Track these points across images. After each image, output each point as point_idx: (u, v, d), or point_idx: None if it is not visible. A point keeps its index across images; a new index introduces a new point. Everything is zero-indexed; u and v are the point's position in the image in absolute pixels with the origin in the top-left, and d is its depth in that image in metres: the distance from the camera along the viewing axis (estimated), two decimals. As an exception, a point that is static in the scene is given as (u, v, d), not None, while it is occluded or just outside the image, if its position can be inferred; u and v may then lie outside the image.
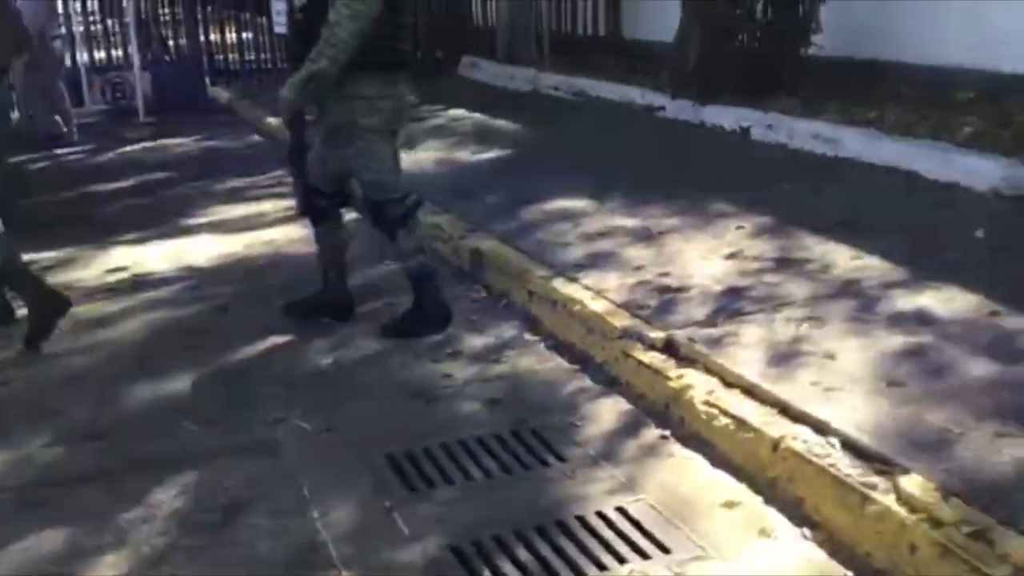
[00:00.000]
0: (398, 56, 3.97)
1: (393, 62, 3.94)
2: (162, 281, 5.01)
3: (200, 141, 9.35)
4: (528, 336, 4.05)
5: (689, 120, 7.46)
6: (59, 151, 9.00)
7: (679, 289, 3.96)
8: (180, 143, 9.24)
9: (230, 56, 13.03)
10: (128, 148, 9.11)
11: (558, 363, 3.78)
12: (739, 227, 4.73)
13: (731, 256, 4.32)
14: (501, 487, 2.87)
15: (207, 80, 12.00)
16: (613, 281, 4.12)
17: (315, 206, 4.23)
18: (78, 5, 11.62)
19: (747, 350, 3.30)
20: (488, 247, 4.82)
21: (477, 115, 8.80)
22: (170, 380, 3.74)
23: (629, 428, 3.20)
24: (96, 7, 12.08)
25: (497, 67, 11.03)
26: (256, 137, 9.42)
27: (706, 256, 4.35)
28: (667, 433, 3.12)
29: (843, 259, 4.15)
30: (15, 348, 4.11)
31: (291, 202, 5.73)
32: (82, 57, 11.26)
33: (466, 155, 7.23)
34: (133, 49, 10.73)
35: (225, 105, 11.44)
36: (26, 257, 5.27)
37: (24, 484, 3.02)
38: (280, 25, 9.61)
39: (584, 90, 9.18)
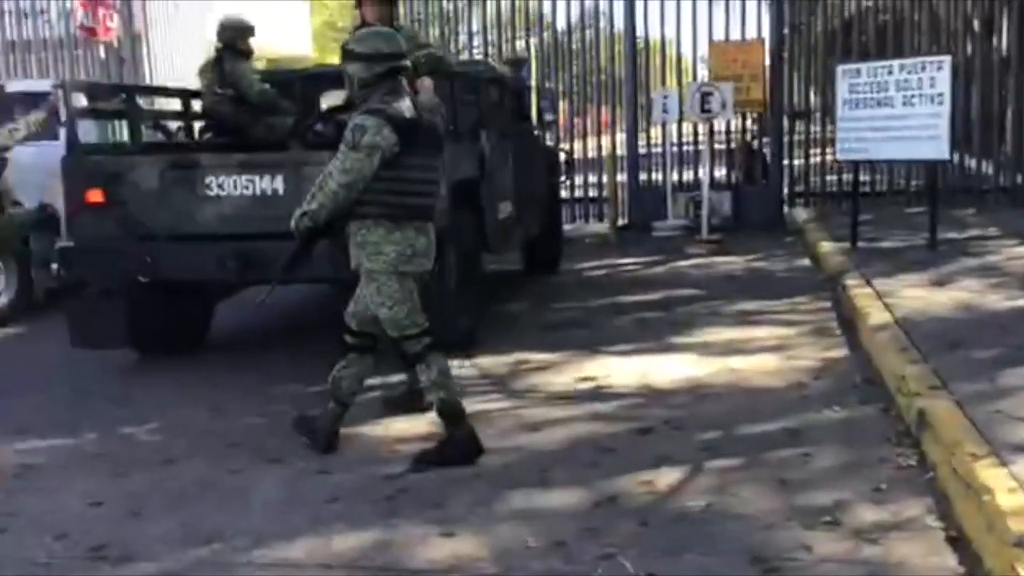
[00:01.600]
0: (404, 211, 4.24)
1: (396, 215, 4.22)
2: (615, 395, 5.23)
3: (750, 262, 9.53)
4: (931, 521, 3.49)
5: None
6: (621, 260, 9.86)
7: None
8: (730, 262, 9.51)
9: (812, 179, 13.05)
10: (681, 263, 9.63)
11: (942, 561, 3.20)
12: None
13: None
14: None
15: (784, 201, 12.19)
16: (1049, 475, 3.38)
17: (342, 340, 4.51)
18: (672, 129, 12.58)
19: None
20: (935, 409, 4.24)
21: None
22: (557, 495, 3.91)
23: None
24: (688, 129, 12.95)
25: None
26: (804, 262, 9.33)
27: None
28: None
29: None
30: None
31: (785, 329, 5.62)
32: (669, 176, 12.16)
33: (995, 299, 6.41)
34: (704, 170, 11.30)
35: (799, 227, 11.50)
36: (521, 356, 5.93)
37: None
38: (847, 151, 9.42)
39: None
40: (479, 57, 12.27)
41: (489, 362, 5.98)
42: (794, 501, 3.73)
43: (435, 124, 4.41)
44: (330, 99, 7.19)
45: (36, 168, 7.48)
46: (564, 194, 12.63)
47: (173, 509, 3.86)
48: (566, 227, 12.35)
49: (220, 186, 5.74)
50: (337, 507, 3.83)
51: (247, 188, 5.73)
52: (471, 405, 5.03)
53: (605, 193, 12.30)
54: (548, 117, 9.12)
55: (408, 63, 4.46)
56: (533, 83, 11.07)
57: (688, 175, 12.64)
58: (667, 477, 4.03)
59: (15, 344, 7.11)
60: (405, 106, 4.24)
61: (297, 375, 5.76)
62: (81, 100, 6.63)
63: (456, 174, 5.96)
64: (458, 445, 4.34)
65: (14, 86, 8.31)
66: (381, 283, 4.31)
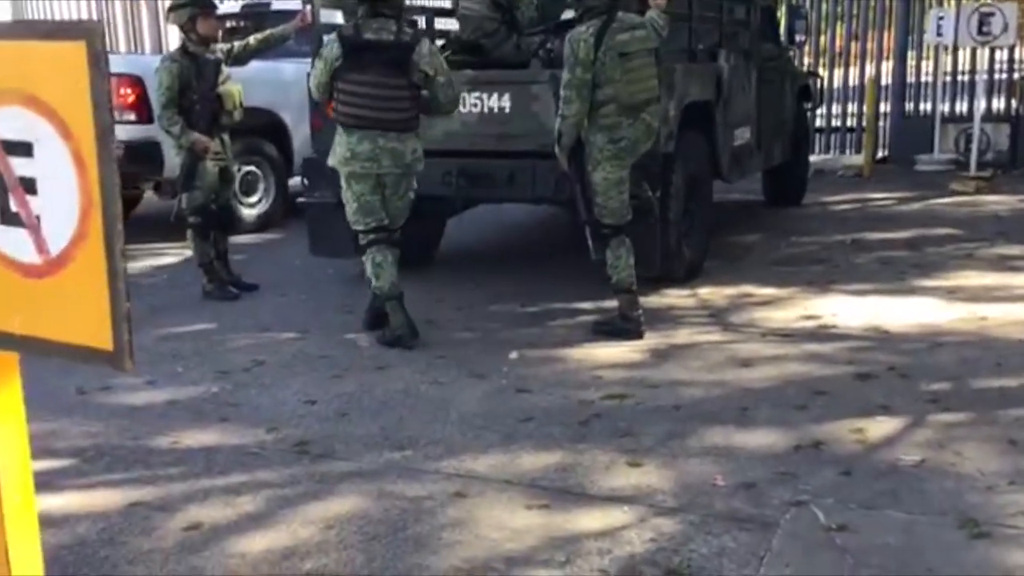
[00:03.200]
0: (357, 121, 4.81)
1: (343, 123, 4.87)
2: (839, 336, 4.92)
3: (1022, 202, 8.66)
4: None
5: None
6: (873, 195, 9.23)
7: None
8: (998, 202, 8.68)
9: None
10: (941, 200, 8.89)
11: None
12: None
13: None
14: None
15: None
16: None
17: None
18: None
19: None
20: None
21: None
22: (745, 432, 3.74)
23: None
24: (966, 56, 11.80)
25: None
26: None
27: None
28: None
29: None
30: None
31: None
32: (939, 105, 11.19)
33: None
34: (980, 100, 10.28)
35: None
36: (745, 289, 5.71)
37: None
38: None
39: None
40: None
41: (710, 293, 5.78)
42: (1022, 464, 3.36)
43: (400, 44, 4.81)
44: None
45: (271, 81, 7.88)
46: (819, 123, 12.00)
47: (377, 413, 4.01)
48: (819, 158, 11.76)
49: (452, 103, 5.81)
50: (530, 426, 3.83)
51: (475, 106, 5.77)
52: (685, 335, 4.93)
53: (863, 123, 11.53)
54: (799, 38, 8.57)
55: None
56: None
57: (961, 106, 11.58)
58: (881, 427, 3.74)
59: (268, 248, 7.59)
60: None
61: (516, 295, 5.81)
62: (335, 16, 6.87)
63: (687, 96, 5.73)
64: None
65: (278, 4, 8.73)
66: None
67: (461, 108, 5.79)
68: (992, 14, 9.39)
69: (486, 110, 5.74)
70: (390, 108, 4.83)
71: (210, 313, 5.62)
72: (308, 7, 6.17)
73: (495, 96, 5.68)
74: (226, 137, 5.91)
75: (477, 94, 5.75)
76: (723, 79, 6.34)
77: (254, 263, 6.86)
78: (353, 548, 2.92)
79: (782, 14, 9.19)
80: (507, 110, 5.68)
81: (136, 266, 6.90)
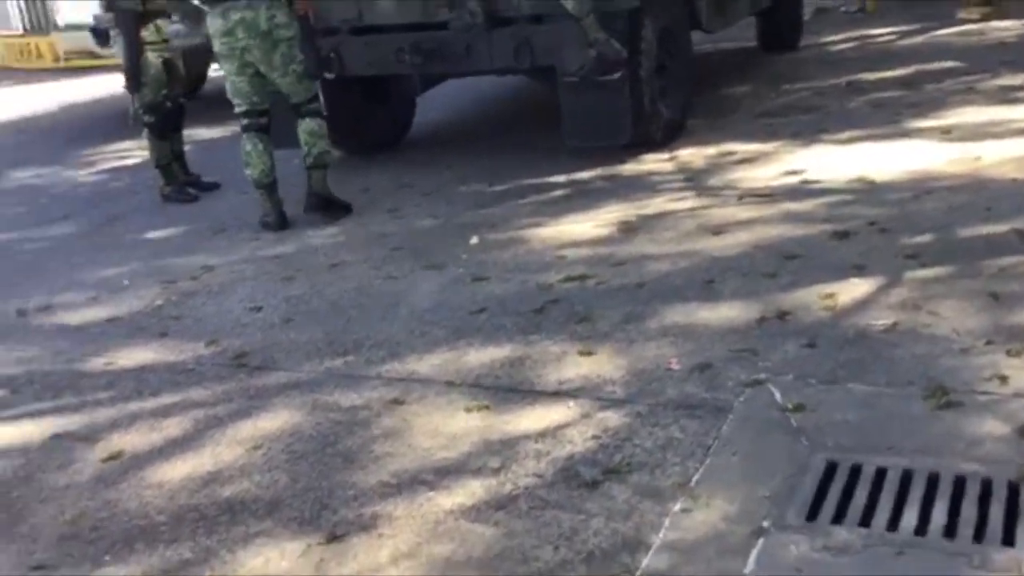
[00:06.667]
0: None
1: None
2: (821, 192, 4.60)
3: (1035, 26, 8.12)
4: None
5: None
6: (876, 31, 8.71)
7: None
8: (1005, 28, 8.11)
9: None
10: (946, 31, 8.34)
11: None
12: None
13: None
14: None
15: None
16: None
17: None
18: None
19: None
20: None
21: None
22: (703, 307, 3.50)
23: None
24: None
25: None
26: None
27: None
28: None
29: None
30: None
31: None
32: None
33: None
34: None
35: None
36: (728, 147, 5.39)
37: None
38: None
39: None
40: None
41: (690, 154, 5.46)
42: (1002, 320, 3.11)
43: None
44: None
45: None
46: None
47: (324, 317, 3.81)
48: (821, -6, 11.14)
49: (399, -27, 5.42)
50: (481, 318, 3.62)
51: (426, -26, 5.37)
52: (659, 204, 4.65)
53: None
54: None
55: None
56: None
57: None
58: (854, 289, 3.48)
59: (232, 142, 7.27)
60: None
61: (486, 174, 5.52)
62: None
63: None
64: None
65: None
66: None
67: (411, -23, 5.41)
68: None
69: (436, -22, 5.34)
70: None
71: (165, 218, 5.41)
72: None
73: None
74: (161, 24, 5.54)
75: (425, -45, 5.34)
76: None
77: (215, 159, 6.58)
78: (278, 469, 2.76)
79: None
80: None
81: (98, 171, 6.68)
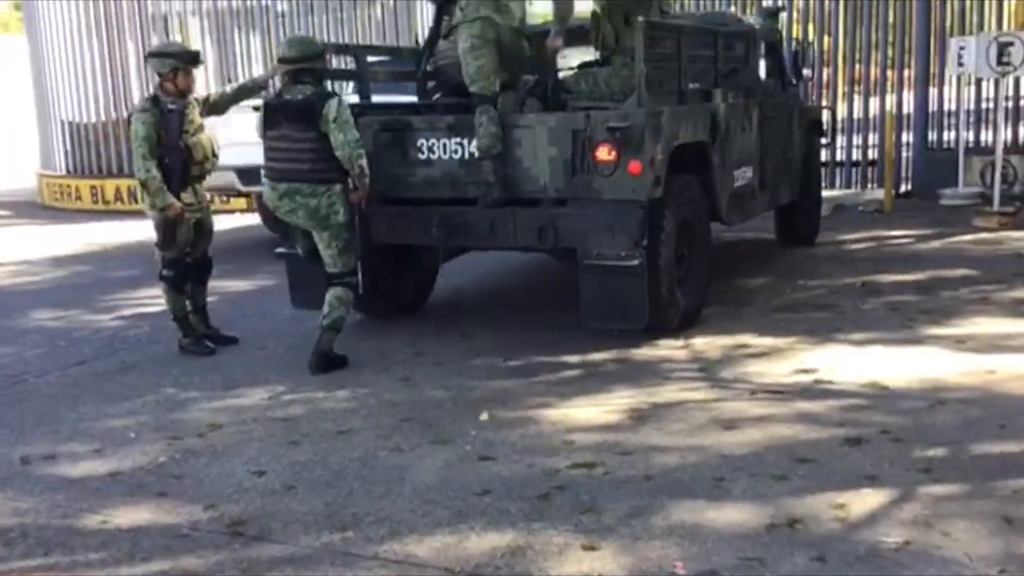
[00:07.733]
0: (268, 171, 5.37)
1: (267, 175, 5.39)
2: (833, 393, 4.60)
3: (1044, 237, 8.28)
4: None
5: None
6: (892, 232, 8.89)
7: None
8: (1021, 237, 8.29)
9: None
10: (963, 237, 8.52)
11: None
12: None
13: None
14: None
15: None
16: None
17: None
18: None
19: None
20: None
21: None
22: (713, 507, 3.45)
23: None
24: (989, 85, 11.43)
25: None
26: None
27: None
28: None
29: None
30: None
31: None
32: (963, 137, 10.81)
33: None
34: (1000, 132, 9.88)
35: None
36: (742, 339, 5.42)
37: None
38: None
39: None
40: (729, 9, 11.37)
41: (704, 343, 5.49)
42: (1015, 547, 3.05)
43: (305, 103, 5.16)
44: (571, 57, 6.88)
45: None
46: (839, 157, 11.71)
47: (326, 486, 3.76)
48: (841, 192, 11.47)
49: (430, 149, 5.62)
50: (486, 501, 3.56)
51: (456, 152, 5.56)
52: (670, 393, 4.65)
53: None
54: (805, 72, 8.27)
55: None
56: (791, 34, 10.14)
57: (986, 136, 11.19)
58: (866, 501, 3.42)
59: (258, 296, 7.38)
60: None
61: (501, 348, 5.56)
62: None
63: (676, 138, 5.48)
64: None
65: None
66: None
67: (442, 155, 5.60)
68: (1011, 44, 9.04)
69: (467, 156, 5.53)
70: (291, 160, 5.24)
71: (180, 370, 5.42)
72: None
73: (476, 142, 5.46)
74: (199, 187, 5.74)
75: (457, 139, 5.54)
76: (719, 119, 6.08)
77: (241, 313, 6.68)
78: (264, 651, 2.67)
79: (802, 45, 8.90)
80: (488, 156, 5.45)
81: (119, 317, 6.75)
